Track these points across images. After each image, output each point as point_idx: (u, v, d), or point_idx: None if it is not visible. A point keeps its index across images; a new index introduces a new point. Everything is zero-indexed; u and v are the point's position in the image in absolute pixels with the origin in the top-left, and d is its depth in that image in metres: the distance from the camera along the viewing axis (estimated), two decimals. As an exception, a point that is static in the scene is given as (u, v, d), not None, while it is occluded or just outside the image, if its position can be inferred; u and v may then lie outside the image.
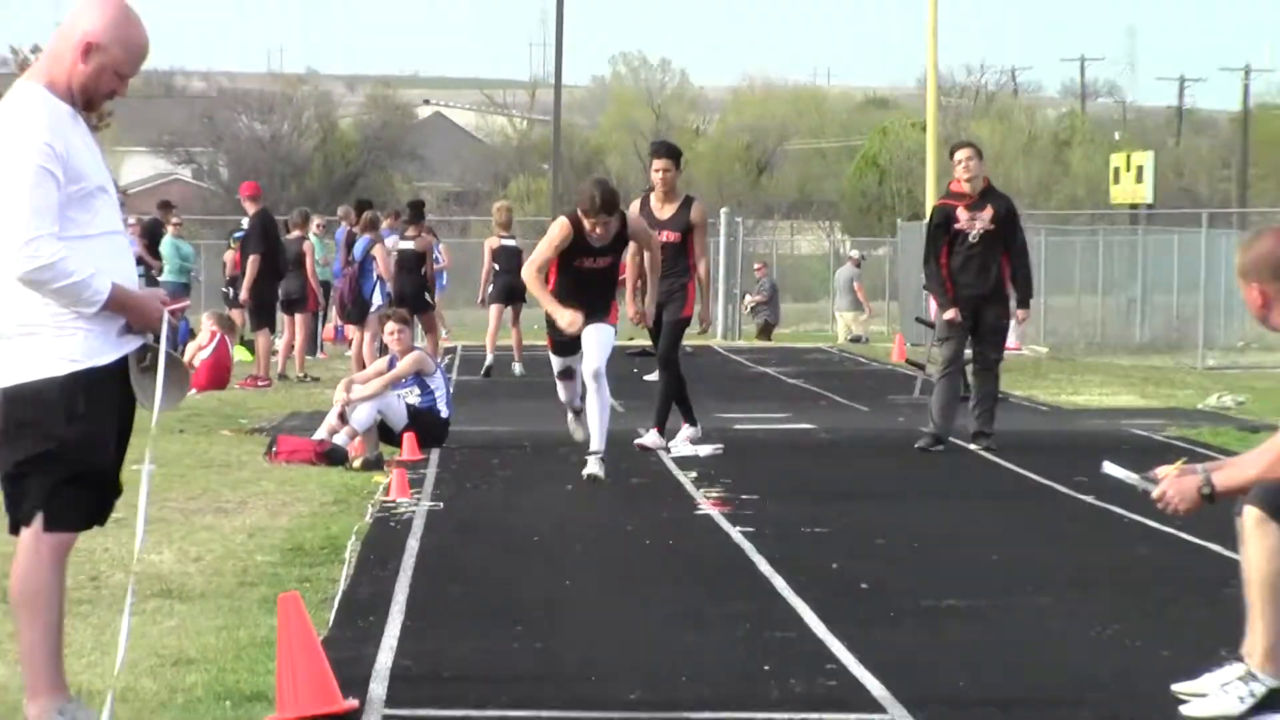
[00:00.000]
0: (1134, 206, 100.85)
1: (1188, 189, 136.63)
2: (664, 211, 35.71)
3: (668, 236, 33.43)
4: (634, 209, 31.44)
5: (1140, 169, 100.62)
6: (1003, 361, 42.89)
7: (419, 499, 31.87)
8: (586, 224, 30.15)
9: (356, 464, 36.87)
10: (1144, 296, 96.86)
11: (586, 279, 28.80)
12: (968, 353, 40.87)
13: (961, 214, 40.82)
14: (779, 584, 24.32)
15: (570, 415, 32.22)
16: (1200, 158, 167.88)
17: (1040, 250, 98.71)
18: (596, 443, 29.24)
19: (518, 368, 62.46)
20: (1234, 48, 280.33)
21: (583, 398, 30.13)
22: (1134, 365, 76.16)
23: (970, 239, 40.44)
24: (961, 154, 42.03)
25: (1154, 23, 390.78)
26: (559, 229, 29.36)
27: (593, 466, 29.42)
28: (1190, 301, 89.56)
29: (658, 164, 35.65)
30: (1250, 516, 17.87)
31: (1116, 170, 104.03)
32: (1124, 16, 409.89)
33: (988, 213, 40.66)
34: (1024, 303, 42.61)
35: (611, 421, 33.00)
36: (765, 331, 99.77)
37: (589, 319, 29.52)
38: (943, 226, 41.24)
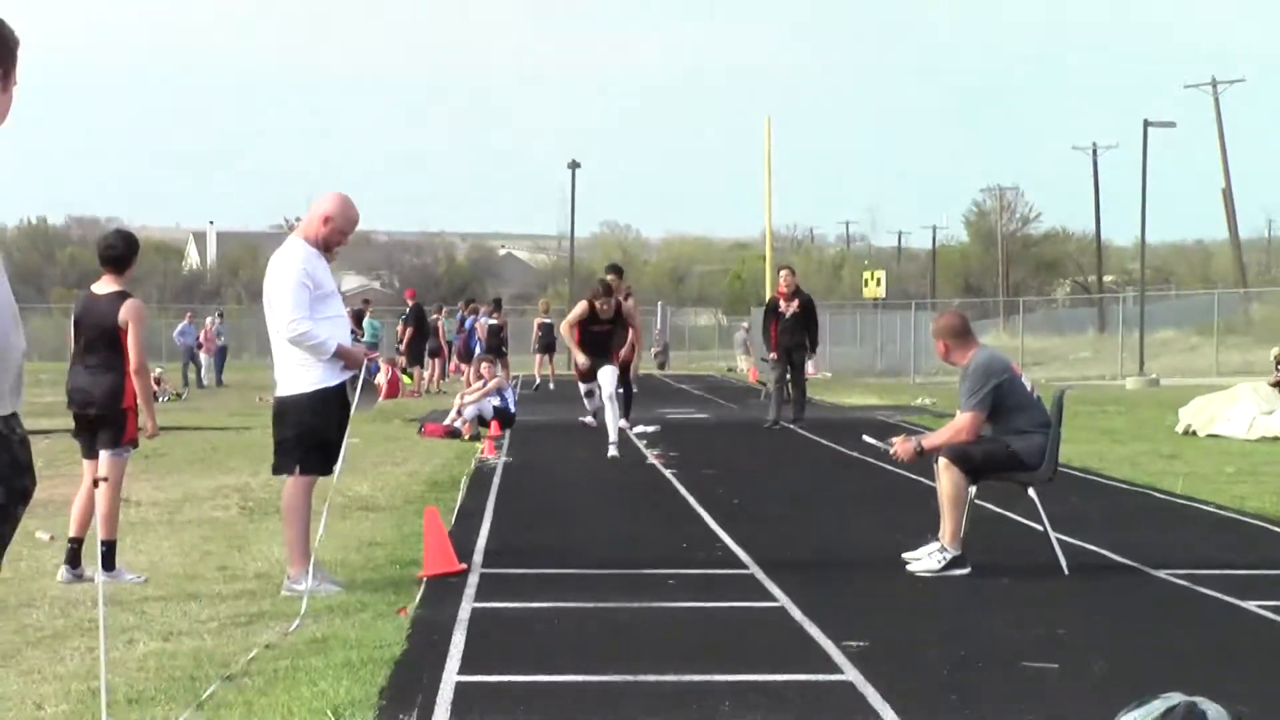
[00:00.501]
0: (875, 299, 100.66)
1: (904, 290, 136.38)
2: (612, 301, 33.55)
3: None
4: (591, 304, 31.95)
5: (879, 279, 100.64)
6: (806, 381, 43.48)
7: (500, 457, 31.67)
8: (597, 304, 31.27)
9: (466, 438, 36.75)
10: (881, 346, 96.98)
11: (596, 337, 30.76)
12: (788, 377, 41.29)
13: (783, 304, 41.37)
14: (691, 501, 24.18)
15: (589, 415, 33.50)
16: (910, 273, 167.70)
17: (827, 323, 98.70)
18: (613, 435, 29.96)
19: (551, 385, 62.61)
20: (927, 214, 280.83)
21: (598, 410, 31.40)
22: (876, 383, 76.04)
23: (787, 317, 41.09)
24: (783, 272, 43.57)
25: (885, 200, 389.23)
26: (580, 305, 31.51)
27: (613, 451, 30.19)
28: (906, 348, 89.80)
29: (610, 276, 35.29)
30: (942, 463, 17.76)
31: (866, 280, 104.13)
32: (867, 198, 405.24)
33: (796, 303, 41.22)
34: (814, 351, 43.63)
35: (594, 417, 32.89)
36: (662, 366, 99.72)
37: (603, 363, 30.82)
38: (772, 310, 41.90)
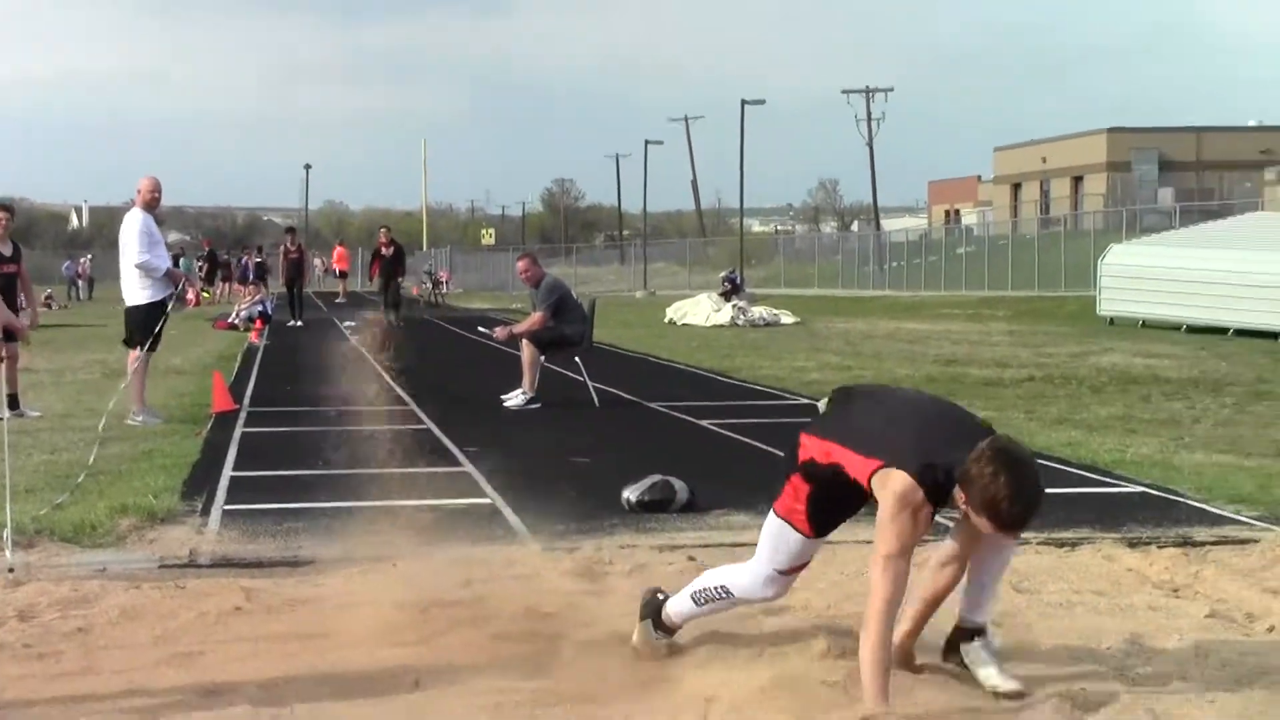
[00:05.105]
0: (489, 246, 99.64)
1: (505, 240, 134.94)
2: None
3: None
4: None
5: (491, 234, 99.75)
6: (442, 294, 42.16)
7: (261, 342, 30.98)
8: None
9: (243, 330, 35.70)
10: (492, 274, 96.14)
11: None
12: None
13: (383, 249, 38.76)
14: (376, 366, 23.74)
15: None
16: (509, 230, 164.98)
17: (461, 259, 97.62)
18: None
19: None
20: (519, 194, 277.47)
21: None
22: (489, 294, 75.08)
23: (388, 258, 38.60)
24: (381, 230, 40.45)
25: (495, 184, 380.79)
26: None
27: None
28: (506, 275, 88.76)
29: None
30: (524, 341, 17.74)
31: (483, 234, 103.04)
32: (483, 182, 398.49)
33: (392, 249, 38.59)
34: (403, 275, 40.78)
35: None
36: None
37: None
38: (376, 254, 39.64)
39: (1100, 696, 5.83)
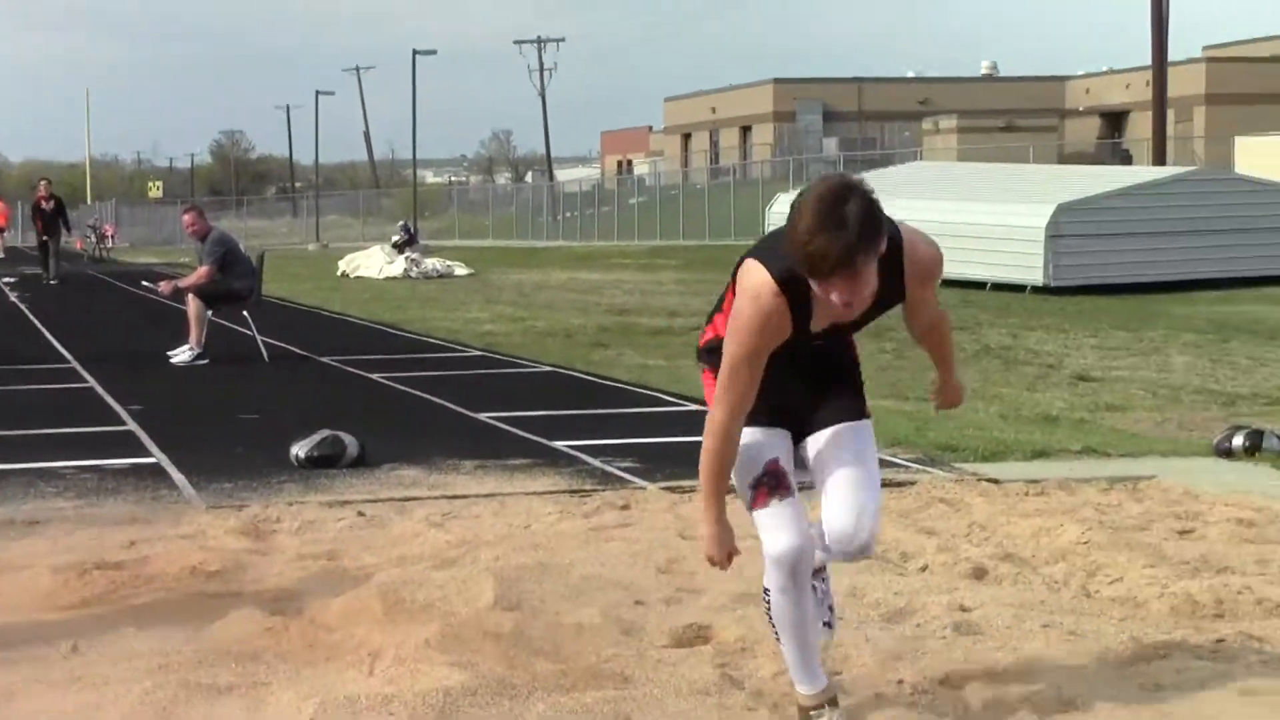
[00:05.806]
0: (156, 199, 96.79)
1: (173, 193, 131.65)
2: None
3: None
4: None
5: (159, 186, 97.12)
6: (108, 248, 40.89)
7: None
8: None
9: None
10: (160, 227, 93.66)
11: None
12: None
13: (43, 203, 35.43)
14: (36, 323, 23.03)
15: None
16: (177, 182, 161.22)
17: (128, 212, 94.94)
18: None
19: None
20: (188, 146, 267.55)
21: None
22: (158, 249, 73.29)
23: (49, 212, 35.31)
24: (42, 183, 36.73)
25: (163, 136, 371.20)
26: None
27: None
28: (175, 229, 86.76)
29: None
30: (190, 295, 17.38)
31: (150, 187, 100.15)
32: (151, 134, 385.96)
33: (53, 203, 35.58)
34: (69, 232, 38.25)
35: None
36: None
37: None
38: (36, 208, 35.96)
39: (754, 637, 5.97)
